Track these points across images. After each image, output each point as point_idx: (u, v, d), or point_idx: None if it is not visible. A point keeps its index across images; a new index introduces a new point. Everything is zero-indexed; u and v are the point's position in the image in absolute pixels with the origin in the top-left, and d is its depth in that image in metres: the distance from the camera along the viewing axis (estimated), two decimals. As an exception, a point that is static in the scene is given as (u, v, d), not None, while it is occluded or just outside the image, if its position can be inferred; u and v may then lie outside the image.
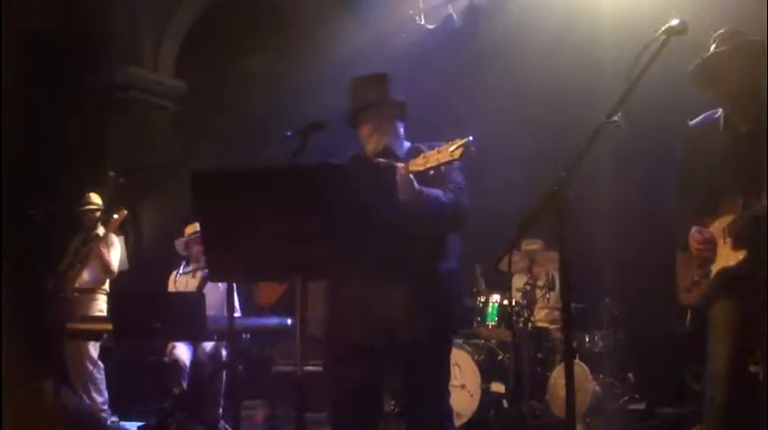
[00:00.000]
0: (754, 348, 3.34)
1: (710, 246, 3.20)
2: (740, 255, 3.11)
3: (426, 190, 3.00)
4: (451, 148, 2.79)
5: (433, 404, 3.16)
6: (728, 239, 3.16)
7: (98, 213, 6.22)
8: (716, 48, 3.28)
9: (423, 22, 6.88)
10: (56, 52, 7.55)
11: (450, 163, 2.82)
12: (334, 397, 3.21)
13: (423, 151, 3.00)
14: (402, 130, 3.34)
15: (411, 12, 6.86)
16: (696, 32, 2.82)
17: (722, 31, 3.27)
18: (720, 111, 3.36)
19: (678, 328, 3.39)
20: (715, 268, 3.20)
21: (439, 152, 2.85)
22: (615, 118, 2.47)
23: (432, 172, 2.88)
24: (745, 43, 3.23)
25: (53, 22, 7.52)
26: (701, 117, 3.41)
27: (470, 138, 2.79)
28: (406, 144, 3.30)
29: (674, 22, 2.63)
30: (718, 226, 3.23)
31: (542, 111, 6.73)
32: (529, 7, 6.47)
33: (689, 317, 3.34)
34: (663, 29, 2.61)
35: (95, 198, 6.30)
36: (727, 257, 3.16)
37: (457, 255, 3.23)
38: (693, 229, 3.27)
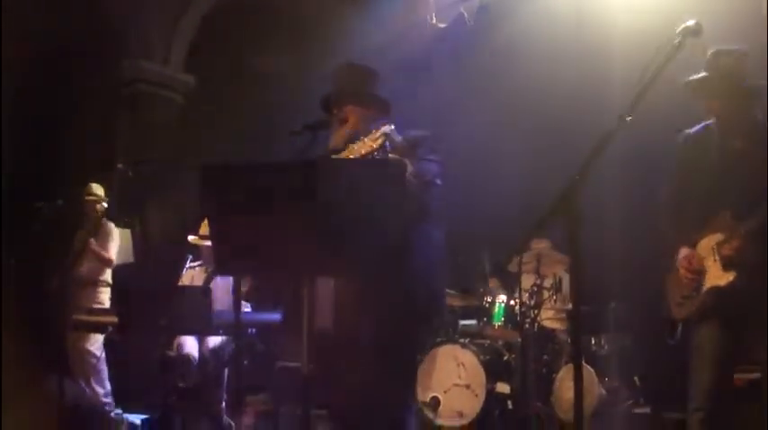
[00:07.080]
0: (741, 363, 3.37)
1: (698, 276, 3.24)
2: (730, 276, 3.14)
3: None
4: (372, 139, 2.81)
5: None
6: (718, 258, 3.18)
7: (100, 204, 6.20)
8: (704, 67, 3.27)
9: (434, 21, 6.87)
10: (66, 45, 7.55)
11: (371, 152, 2.81)
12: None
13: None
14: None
15: (423, 11, 6.86)
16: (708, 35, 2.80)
17: (713, 51, 3.25)
18: (714, 121, 3.34)
19: (668, 341, 3.40)
20: (706, 285, 3.23)
21: (363, 143, 2.85)
22: (628, 119, 2.44)
23: None
24: (722, 73, 3.22)
25: (64, 15, 7.52)
26: (696, 127, 3.39)
27: (392, 126, 2.82)
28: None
29: (690, 22, 2.61)
30: (706, 243, 3.24)
31: (549, 114, 6.69)
32: (538, 9, 6.45)
33: (679, 329, 3.35)
34: (679, 29, 2.60)
35: (97, 189, 6.27)
36: (718, 277, 3.19)
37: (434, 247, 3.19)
38: (682, 254, 3.28)
